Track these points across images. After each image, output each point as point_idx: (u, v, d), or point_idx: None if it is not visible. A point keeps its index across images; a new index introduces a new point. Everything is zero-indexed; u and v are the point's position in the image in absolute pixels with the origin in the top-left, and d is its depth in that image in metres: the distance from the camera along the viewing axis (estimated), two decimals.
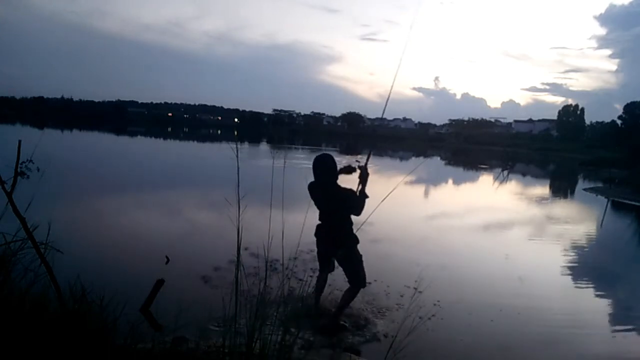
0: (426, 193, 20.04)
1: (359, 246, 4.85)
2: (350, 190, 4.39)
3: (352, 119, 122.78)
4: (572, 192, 26.57)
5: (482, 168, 39.39)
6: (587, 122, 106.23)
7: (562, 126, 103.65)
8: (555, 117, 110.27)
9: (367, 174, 4.32)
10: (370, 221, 3.60)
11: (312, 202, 4.75)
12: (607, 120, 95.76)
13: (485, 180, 30.31)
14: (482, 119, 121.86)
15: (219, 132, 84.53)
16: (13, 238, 3.55)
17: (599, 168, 39.85)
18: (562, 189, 28.94)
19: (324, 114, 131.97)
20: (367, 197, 4.32)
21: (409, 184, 20.32)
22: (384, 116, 5.16)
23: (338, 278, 5.12)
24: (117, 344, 3.44)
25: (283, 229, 3.41)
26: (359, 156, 4.50)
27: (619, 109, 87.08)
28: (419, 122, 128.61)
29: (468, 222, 13.42)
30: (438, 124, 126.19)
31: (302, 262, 6.34)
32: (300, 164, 18.42)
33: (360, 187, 4.37)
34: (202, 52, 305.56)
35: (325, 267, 4.67)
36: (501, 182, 27.90)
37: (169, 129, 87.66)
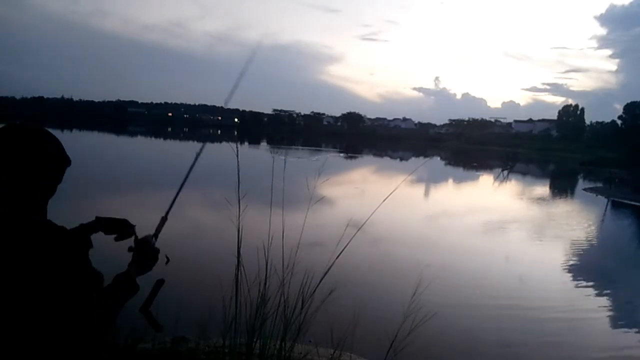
0: (426, 193, 20.04)
1: None
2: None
3: (352, 119, 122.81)
4: (572, 192, 26.57)
5: (476, 167, 39.39)
6: (587, 122, 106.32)
7: (562, 126, 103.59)
8: (555, 117, 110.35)
9: (152, 253, 1.66)
10: (371, 221, 3.60)
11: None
12: (607, 120, 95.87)
13: (486, 180, 30.31)
14: (482, 119, 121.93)
15: (219, 132, 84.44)
16: None
17: (599, 168, 39.86)
18: (562, 189, 28.95)
19: (324, 114, 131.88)
20: (134, 289, 1.54)
21: (410, 184, 20.32)
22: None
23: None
24: (118, 343, 3.45)
25: (283, 228, 3.41)
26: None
27: (619, 109, 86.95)
28: (419, 122, 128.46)
29: (468, 222, 13.42)
30: (438, 124, 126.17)
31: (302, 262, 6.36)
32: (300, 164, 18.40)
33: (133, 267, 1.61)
34: (202, 52, 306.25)
35: None
36: (501, 182, 27.90)
37: (169, 129, 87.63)
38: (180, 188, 2.00)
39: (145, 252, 1.64)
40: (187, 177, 2.07)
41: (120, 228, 1.80)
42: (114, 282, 1.48)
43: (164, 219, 1.87)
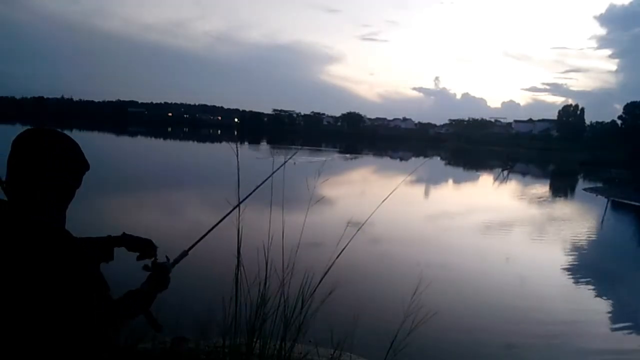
0: (426, 193, 20.04)
1: None
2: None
3: (352, 119, 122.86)
4: (572, 192, 26.56)
5: (476, 167, 39.35)
6: (587, 122, 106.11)
7: (562, 126, 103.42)
8: (555, 117, 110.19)
9: (166, 279, 1.73)
10: (371, 221, 3.60)
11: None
12: (607, 120, 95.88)
13: (486, 180, 30.30)
14: (482, 119, 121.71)
15: (219, 132, 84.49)
16: None
17: (599, 168, 39.85)
18: (562, 189, 28.93)
19: (324, 114, 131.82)
20: (142, 311, 1.64)
21: (410, 184, 20.32)
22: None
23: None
24: (118, 344, 3.44)
25: (283, 228, 3.40)
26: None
27: (619, 109, 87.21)
28: (419, 122, 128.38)
29: (468, 222, 13.42)
30: (438, 124, 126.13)
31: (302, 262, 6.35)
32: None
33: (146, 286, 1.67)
34: (202, 52, 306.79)
35: None
36: (501, 182, 27.89)
37: (169, 129, 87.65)
38: (209, 230, 2.20)
39: (162, 277, 1.71)
40: (215, 225, 2.24)
41: (144, 248, 1.85)
42: (125, 296, 1.51)
43: (184, 253, 1.95)
